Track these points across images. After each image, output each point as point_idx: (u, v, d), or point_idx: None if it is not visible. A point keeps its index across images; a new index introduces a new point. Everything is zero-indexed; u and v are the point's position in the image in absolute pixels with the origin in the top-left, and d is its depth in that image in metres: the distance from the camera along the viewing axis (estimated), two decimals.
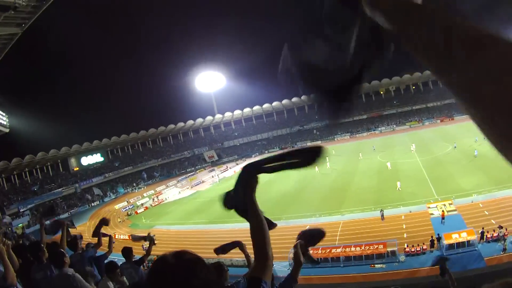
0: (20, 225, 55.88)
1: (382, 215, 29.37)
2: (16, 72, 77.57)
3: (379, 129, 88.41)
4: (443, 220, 26.14)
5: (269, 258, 1.73)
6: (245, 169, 1.91)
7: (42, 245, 6.21)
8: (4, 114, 54.09)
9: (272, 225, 2.32)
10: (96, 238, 8.50)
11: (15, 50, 35.39)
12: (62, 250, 6.22)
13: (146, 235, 9.89)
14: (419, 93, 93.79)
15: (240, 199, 1.93)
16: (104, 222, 8.27)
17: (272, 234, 1.97)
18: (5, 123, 53.98)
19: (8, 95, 55.63)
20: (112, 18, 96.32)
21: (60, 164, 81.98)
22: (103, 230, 8.34)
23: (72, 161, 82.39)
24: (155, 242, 9.09)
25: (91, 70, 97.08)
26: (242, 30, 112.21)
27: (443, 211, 27.11)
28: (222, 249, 4.89)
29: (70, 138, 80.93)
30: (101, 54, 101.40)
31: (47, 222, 8.36)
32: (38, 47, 73.02)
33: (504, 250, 21.20)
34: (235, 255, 24.44)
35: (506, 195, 28.30)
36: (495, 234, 22.61)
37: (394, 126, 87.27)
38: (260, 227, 1.81)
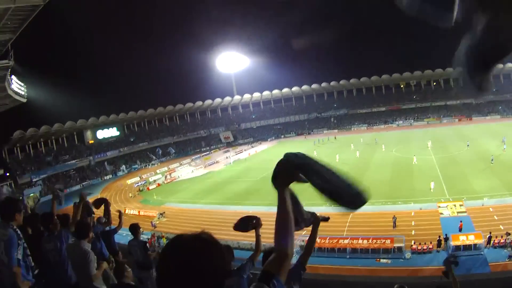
0: (32, 194, 55.98)
1: (395, 222, 27.60)
2: (37, 43, 77.83)
3: (397, 122, 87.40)
4: (460, 232, 24.37)
5: (288, 256, 1.69)
6: (285, 160, 1.85)
7: (55, 216, 6.28)
8: (22, 84, 54.30)
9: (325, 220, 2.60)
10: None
11: (36, 21, 35.31)
12: (88, 223, 6.40)
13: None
14: (439, 89, 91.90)
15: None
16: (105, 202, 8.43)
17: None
18: (23, 93, 54.16)
19: (28, 66, 55.97)
20: None
21: (75, 136, 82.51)
22: (114, 204, 8.44)
23: (88, 133, 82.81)
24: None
25: (112, 45, 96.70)
26: (265, 12, 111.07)
27: (461, 221, 25.30)
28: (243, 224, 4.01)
29: (87, 111, 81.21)
30: (123, 29, 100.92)
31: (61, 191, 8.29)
32: (60, 19, 72.81)
33: (510, 257, 21.03)
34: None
35: None
36: (502, 240, 22.39)
37: (412, 121, 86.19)
38: (286, 224, 1.74)
